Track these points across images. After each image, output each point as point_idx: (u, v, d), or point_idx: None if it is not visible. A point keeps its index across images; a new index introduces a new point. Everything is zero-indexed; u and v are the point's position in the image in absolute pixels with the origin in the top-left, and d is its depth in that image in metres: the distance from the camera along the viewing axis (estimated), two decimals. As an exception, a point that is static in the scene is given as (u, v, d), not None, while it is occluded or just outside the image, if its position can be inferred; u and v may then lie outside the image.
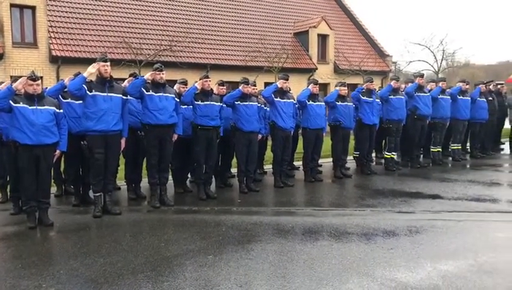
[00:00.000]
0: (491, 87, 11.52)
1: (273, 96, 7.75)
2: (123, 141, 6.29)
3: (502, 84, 12.42)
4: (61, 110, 5.81)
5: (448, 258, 4.31)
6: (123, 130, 6.23)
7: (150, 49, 17.56)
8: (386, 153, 9.70)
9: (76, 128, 6.38)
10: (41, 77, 14.67)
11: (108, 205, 6.22)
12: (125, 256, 4.52)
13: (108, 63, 6.05)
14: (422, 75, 10.26)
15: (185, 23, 20.64)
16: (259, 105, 7.79)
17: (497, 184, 8.03)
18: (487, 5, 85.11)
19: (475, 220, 5.74)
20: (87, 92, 5.89)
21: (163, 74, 6.54)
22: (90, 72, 5.86)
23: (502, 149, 12.40)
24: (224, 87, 7.96)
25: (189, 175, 8.09)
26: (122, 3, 19.83)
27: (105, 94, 5.97)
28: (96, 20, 18.47)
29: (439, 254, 4.46)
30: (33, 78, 5.52)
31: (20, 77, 5.70)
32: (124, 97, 6.20)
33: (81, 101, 6.13)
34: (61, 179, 7.49)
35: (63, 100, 6.45)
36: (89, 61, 6.46)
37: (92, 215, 6.08)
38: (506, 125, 12.57)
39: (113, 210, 6.20)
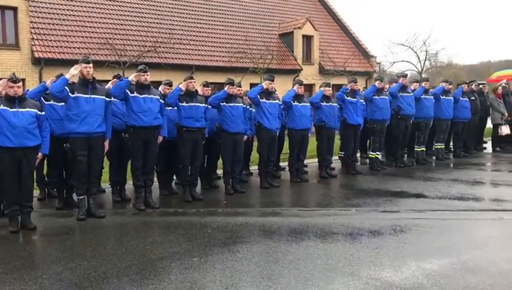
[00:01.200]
0: (473, 87, 11.66)
1: (258, 97, 7.75)
2: (106, 143, 6.23)
3: (483, 84, 12.60)
4: (43, 113, 5.73)
5: (432, 257, 4.35)
6: (106, 132, 6.17)
7: (134, 51, 17.46)
8: (371, 152, 9.77)
9: (59, 130, 6.30)
10: (23, 79, 14.53)
11: (93, 208, 6.15)
12: (110, 259, 4.48)
13: (91, 65, 5.99)
14: (405, 76, 10.37)
15: (170, 24, 20.55)
16: (244, 106, 7.78)
17: (480, 183, 8.14)
18: (469, 6, 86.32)
19: (458, 219, 5.81)
20: (70, 93, 5.82)
21: (147, 75, 6.49)
22: (72, 73, 5.81)
23: (485, 148, 12.57)
24: (209, 88, 7.94)
25: (174, 177, 8.04)
26: (105, 4, 19.67)
27: (87, 96, 5.91)
28: (80, 21, 18.30)
29: (423, 252, 4.50)
30: (13, 80, 5.44)
31: (1, 79, 5.62)
32: (107, 99, 6.14)
33: (63, 103, 6.06)
34: (44, 182, 7.38)
35: (45, 102, 6.37)
36: (72, 63, 6.39)
37: (75, 219, 6.01)
38: (488, 124, 12.74)
39: (98, 213, 6.13)
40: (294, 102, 8.23)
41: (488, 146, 12.67)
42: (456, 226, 5.47)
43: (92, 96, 5.94)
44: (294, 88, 8.36)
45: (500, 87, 12.48)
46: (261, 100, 7.77)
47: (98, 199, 6.65)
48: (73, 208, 6.46)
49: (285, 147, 9.34)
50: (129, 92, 6.35)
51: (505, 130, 11.93)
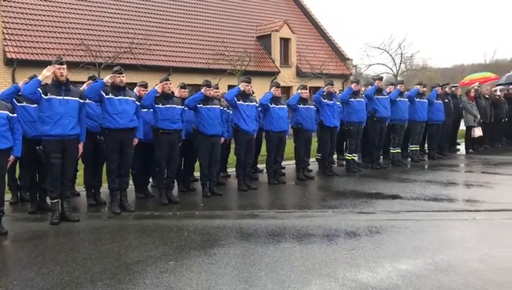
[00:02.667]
0: (446, 89, 11.88)
1: (235, 99, 7.73)
2: (81, 146, 6.13)
3: (456, 86, 12.84)
4: (15, 114, 5.61)
5: (407, 258, 4.40)
6: (81, 135, 6.07)
7: (109, 52, 17.24)
8: (347, 154, 9.86)
9: (32, 132, 6.18)
10: (-5, 80, 14.20)
11: (66, 211, 6.04)
12: (84, 264, 4.39)
13: (65, 66, 5.89)
14: (381, 78, 10.51)
15: (146, 26, 20.38)
16: (221, 108, 7.75)
17: (454, 184, 8.29)
18: (443, 11, 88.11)
19: (433, 220, 5.90)
20: (43, 95, 5.71)
21: (123, 76, 6.41)
22: (45, 75, 5.69)
23: (458, 150, 12.81)
24: (186, 90, 7.90)
25: (150, 180, 7.96)
26: (80, 4, 19.38)
27: (61, 98, 5.80)
28: (54, 21, 17.99)
29: (398, 253, 4.55)
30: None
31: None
32: (82, 101, 6.05)
33: (36, 105, 5.94)
34: (16, 185, 7.21)
35: (18, 104, 6.25)
36: (45, 64, 6.27)
37: (49, 223, 5.88)
38: (462, 126, 13.01)
39: (72, 217, 6.02)
40: (271, 104, 8.25)
41: (462, 148, 12.93)
42: (430, 227, 5.55)
43: (65, 98, 5.84)
44: (272, 90, 8.38)
45: (472, 90, 12.74)
46: (238, 102, 7.76)
47: (72, 203, 6.55)
48: (46, 212, 6.32)
49: (262, 149, 9.35)
50: (104, 94, 6.26)
51: (477, 132, 12.19)
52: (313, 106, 9.02)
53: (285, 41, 23.91)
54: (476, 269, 4.09)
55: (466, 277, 3.90)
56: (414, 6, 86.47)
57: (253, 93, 8.27)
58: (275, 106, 8.29)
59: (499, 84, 15.78)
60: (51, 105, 5.74)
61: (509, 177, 8.65)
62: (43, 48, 16.76)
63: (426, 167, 10.45)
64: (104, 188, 7.02)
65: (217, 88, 8.28)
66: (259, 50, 23.61)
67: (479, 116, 12.21)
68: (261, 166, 9.59)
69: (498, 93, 13.69)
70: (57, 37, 17.50)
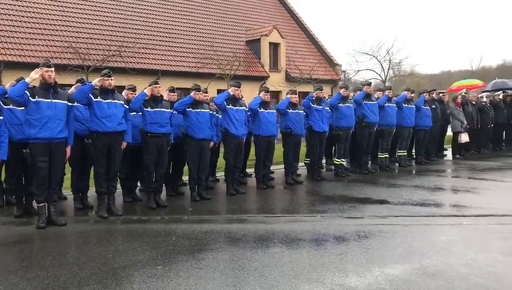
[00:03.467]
0: (434, 95, 12.00)
1: (225, 103, 7.73)
2: (68, 149, 6.08)
3: (444, 92, 12.97)
4: (1, 117, 5.54)
5: (395, 262, 4.42)
6: (68, 138, 6.02)
7: (98, 54, 17.15)
8: (336, 159, 9.90)
9: (19, 135, 6.12)
10: (-19, 82, 14.02)
11: (53, 215, 5.97)
12: (70, 269, 4.35)
13: (53, 69, 5.84)
14: (369, 84, 10.56)
15: (135, 28, 20.32)
16: (211, 112, 7.74)
17: (441, 189, 8.36)
18: (431, 18, 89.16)
19: (420, 225, 5.94)
20: (30, 98, 5.65)
21: (111, 79, 6.38)
22: (33, 77, 5.64)
23: (445, 155, 12.93)
24: (176, 93, 7.88)
25: (138, 184, 7.91)
26: (69, 6, 19.26)
27: (49, 100, 5.75)
28: (41, 23, 17.86)
29: (386, 258, 4.58)
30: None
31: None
32: (70, 104, 6.00)
33: (23, 108, 5.88)
34: (1, 188, 7.14)
35: (4, 106, 6.20)
36: (33, 66, 6.22)
37: (35, 227, 5.82)
38: (449, 132, 13.13)
39: (58, 221, 5.96)
40: (260, 109, 8.27)
41: (449, 153, 13.05)
42: (417, 232, 5.59)
43: (53, 100, 5.79)
44: (261, 95, 8.39)
45: (459, 96, 12.89)
46: (228, 106, 7.76)
47: (59, 207, 6.48)
48: (32, 216, 6.26)
49: (251, 153, 9.35)
50: (92, 97, 6.23)
51: (464, 137, 12.32)
52: (302, 111, 9.05)
53: (274, 46, 24.00)
54: (462, 273, 4.13)
55: (452, 282, 3.93)
56: (402, 13, 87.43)
57: (242, 97, 8.27)
58: (264, 110, 8.31)
59: (485, 91, 15.99)
60: (39, 108, 5.69)
61: (495, 183, 8.75)
62: (31, 50, 16.61)
63: (414, 172, 10.53)
64: (92, 192, 6.96)
65: (206, 92, 8.28)
66: (249, 54, 23.66)
67: (465, 122, 12.34)
68: (250, 170, 9.59)
69: (484, 99, 13.86)
70: (44, 39, 17.37)
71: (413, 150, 11.93)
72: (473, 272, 4.16)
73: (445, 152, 13.07)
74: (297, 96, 9.01)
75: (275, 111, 8.60)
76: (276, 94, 21.67)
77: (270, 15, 27.52)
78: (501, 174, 9.70)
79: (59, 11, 18.78)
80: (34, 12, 18.03)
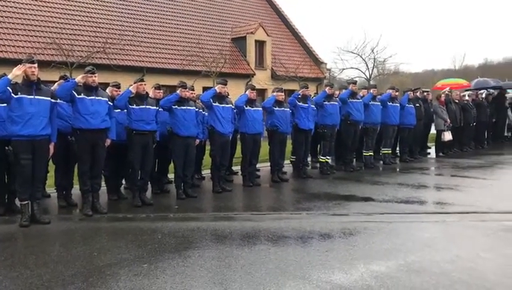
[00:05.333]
0: (418, 94, 12.13)
1: (211, 101, 7.71)
2: (52, 147, 6.00)
3: (428, 91, 13.11)
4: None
5: (380, 259, 4.46)
6: (52, 135, 5.94)
7: (82, 51, 16.94)
8: (321, 157, 9.95)
9: (1, 132, 6.00)
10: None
11: (37, 213, 5.89)
12: (55, 267, 4.30)
13: (36, 65, 5.75)
14: (355, 82, 10.64)
15: (120, 25, 20.12)
16: (197, 110, 7.71)
17: (424, 187, 8.47)
18: (413, 17, 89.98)
19: (404, 222, 6.01)
20: (13, 94, 5.57)
21: (95, 76, 6.32)
22: (15, 74, 5.55)
23: (429, 153, 13.07)
24: (161, 91, 7.83)
25: (123, 181, 7.85)
26: (52, 1, 18.98)
27: (32, 97, 5.67)
28: (24, 19, 17.57)
29: (371, 255, 4.62)
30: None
31: None
32: (53, 100, 5.92)
33: (5, 104, 5.79)
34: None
35: (-14, 103, 6.06)
36: (15, 63, 6.12)
37: (18, 225, 5.73)
38: (432, 130, 13.29)
39: (42, 219, 5.88)
40: (246, 106, 8.26)
41: (432, 151, 13.21)
42: (402, 229, 5.66)
43: (36, 97, 5.71)
44: (247, 93, 8.39)
45: (443, 95, 13.04)
46: (214, 104, 7.74)
47: (42, 204, 6.40)
48: (15, 214, 6.16)
49: (237, 151, 9.34)
50: (76, 94, 6.16)
51: (447, 136, 12.48)
52: (288, 109, 9.07)
53: (260, 44, 23.99)
54: (446, 270, 4.19)
55: (437, 278, 3.99)
56: (387, 12, 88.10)
57: (228, 95, 8.26)
58: (250, 108, 8.31)
59: (468, 90, 16.20)
60: (21, 104, 5.60)
61: (477, 180, 8.88)
62: (13, 46, 16.33)
63: (398, 169, 10.63)
64: (76, 190, 6.88)
65: (193, 89, 8.24)
66: (234, 52, 23.61)
67: (449, 120, 12.50)
68: (236, 168, 9.59)
69: (466, 98, 14.06)
70: (27, 35, 17.10)
71: (397, 148, 12.04)
72: (456, 268, 4.22)
73: (428, 150, 13.22)
74: (283, 94, 9.03)
75: (261, 109, 8.61)
76: (262, 92, 21.66)
77: (255, 13, 27.49)
78: (483, 172, 9.85)
79: (42, 6, 18.49)
80: (16, 8, 17.73)
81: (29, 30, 17.27)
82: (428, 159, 12.42)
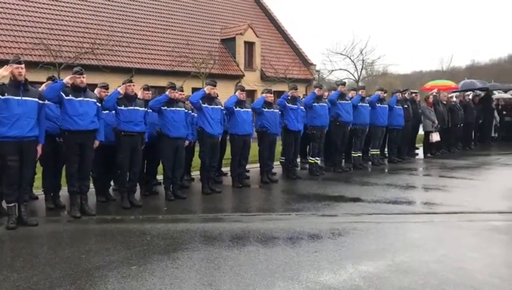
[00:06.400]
0: (406, 95, 12.22)
1: (200, 102, 7.69)
2: (39, 148, 5.94)
3: (416, 92, 13.22)
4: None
5: (368, 259, 4.49)
6: (39, 137, 5.88)
7: (70, 52, 16.81)
8: (310, 158, 9.98)
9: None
10: None
11: (24, 215, 5.83)
12: (42, 270, 4.26)
13: (23, 65, 5.70)
14: (344, 84, 10.69)
15: (109, 25, 20.01)
16: (186, 111, 7.69)
17: (413, 187, 8.53)
18: (401, 19, 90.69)
19: (393, 222, 6.05)
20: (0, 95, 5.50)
21: (83, 77, 6.27)
22: (2, 74, 5.50)
23: (417, 154, 13.18)
24: (150, 92, 7.79)
25: (112, 183, 7.80)
26: (40, 1, 18.82)
27: (19, 98, 5.61)
28: (11, 19, 17.40)
29: (360, 255, 4.64)
30: None
31: None
32: (40, 101, 5.86)
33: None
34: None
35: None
36: (2, 63, 6.06)
37: (5, 227, 5.66)
38: (420, 131, 13.39)
39: (29, 221, 5.82)
40: (236, 107, 8.26)
41: (420, 152, 13.31)
42: (390, 229, 5.69)
43: (24, 98, 5.65)
44: (236, 94, 8.38)
45: (431, 96, 13.16)
46: (204, 105, 7.72)
47: (30, 206, 6.34)
48: (2, 216, 6.08)
49: (227, 152, 9.34)
50: (64, 95, 6.11)
51: (435, 137, 12.60)
52: (278, 110, 9.09)
53: (249, 45, 24.01)
54: (434, 269, 4.22)
55: (425, 278, 4.02)
56: (376, 14, 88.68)
57: (217, 96, 8.25)
58: (239, 109, 8.30)
59: (455, 91, 16.36)
60: (9, 105, 5.54)
61: (465, 181, 8.97)
62: (0, 47, 16.16)
63: (386, 170, 10.70)
64: (64, 192, 6.82)
65: (182, 90, 8.22)
66: (224, 53, 23.60)
67: (436, 121, 12.61)
68: (226, 169, 9.58)
69: (454, 99, 14.20)
70: (14, 35, 16.93)
71: (386, 149, 12.12)
72: (444, 268, 4.26)
73: (416, 151, 13.32)
74: (272, 95, 9.04)
75: (250, 110, 8.61)
76: (251, 93, 21.69)
77: (245, 14, 27.51)
78: (470, 172, 9.95)
79: (30, 6, 18.33)
80: (2, 7, 17.54)
81: (16, 30, 17.10)
82: (416, 160, 12.52)
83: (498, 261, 4.52)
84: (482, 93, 16.16)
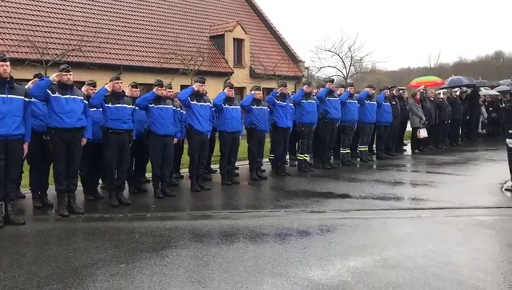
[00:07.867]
0: (394, 92, 12.30)
1: (189, 99, 7.67)
2: (26, 146, 5.89)
3: (403, 89, 13.31)
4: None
5: (356, 255, 4.53)
6: (25, 135, 5.82)
7: (57, 49, 16.67)
8: (299, 155, 10.01)
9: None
10: None
11: (11, 214, 5.77)
12: (29, 269, 4.23)
13: (8, 63, 5.64)
14: (332, 81, 10.72)
15: (96, 22, 19.82)
16: (174, 108, 7.67)
17: (400, 183, 8.60)
18: (389, 16, 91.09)
19: (381, 218, 6.09)
20: (-16, 93, 5.44)
21: (70, 74, 6.22)
22: (-14, 72, 5.43)
23: (405, 150, 13.29)
24: (138, 89, 7.75)
25: (100, 181, 7.75)
26: (26, -2, 18.58)
27: (4, 96, 5.55)
28: (-4, 15, 17.14)
29: (348, 251, 4.67)
30: None
31: None
32: (26, 99, 5.81)
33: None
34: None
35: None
36: (-14, 60, 5.95)
37: (-9, 227, 5.61)
38: (408, 128, 13.50)
39: (16, 220, 5.77)
40: (225, 105, 8.25)
41: (408, 148, 13.42)
42: (378, 225, 5.74)
43: (9, 96, 5.59)
44: (225, 91, 8.38)
45: (418, 93, 13.27)
46: (192, 102, 7.70)
47: (17, 205, 6.29)
48: (-12, 216, 6.02)
49: (216, 149, 9.33)
50: (50, 92, 6.06)
51: (422, 133, 12.71)
52: (267, 107, 9.10)
53: (238, 42, 23.96)
54: (421, 264, 4.27)
55: (412, 272, 4.06)
56: (364, 10, 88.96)
57: (206, 93, 8.23)
58: (228, 106, 8.30)
59: (443, 88, 16.50)
60: (-6, 103, 5.48)
61: (452, 177, 9.06)
62: (-15, 44, 15.95)
63: (374, 166, 10.77)
64: (51, 190, 6.77)
65: (170, 88, 8.18)
66: (213, 50, 23.53)
67: (424, 118, 12.72)
68: (215, 166, 9.57)
69: (441, 96, 14.32)
70: (0, 32, 16.70)
71: (374, 145, 12.19)
72: (431, 263, 4.31)
73: (404, 147, 13.43)
74: (261, 92, 9.04)
75: (239, 107, 8.61)
76: (240, 90, 21.66)
77: (233, 10, 27.44)
78: (457, 168, 10.06)
79: (15, 2, 18.08)
80: (-13, 4, 17.30)
81: (1, 27, 16.88)
82: (404, 156, 12.62)
83: (483, 256, 4.58)
84: (469, 90, 16.31)
